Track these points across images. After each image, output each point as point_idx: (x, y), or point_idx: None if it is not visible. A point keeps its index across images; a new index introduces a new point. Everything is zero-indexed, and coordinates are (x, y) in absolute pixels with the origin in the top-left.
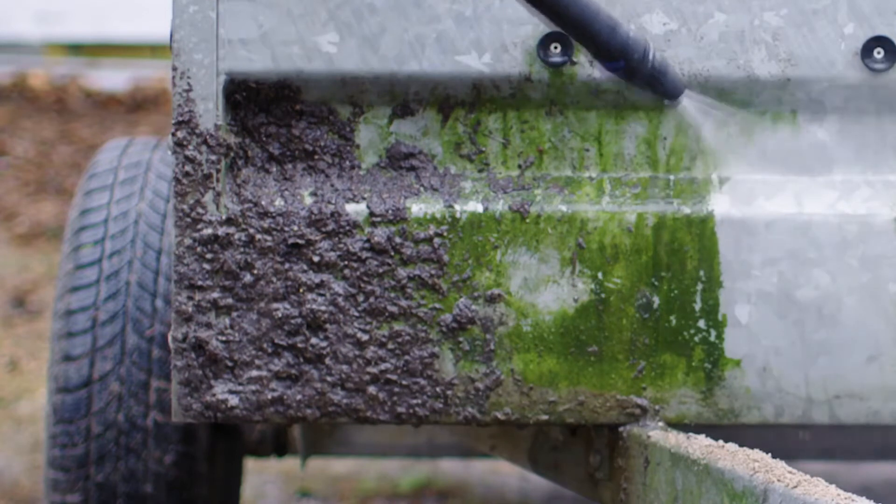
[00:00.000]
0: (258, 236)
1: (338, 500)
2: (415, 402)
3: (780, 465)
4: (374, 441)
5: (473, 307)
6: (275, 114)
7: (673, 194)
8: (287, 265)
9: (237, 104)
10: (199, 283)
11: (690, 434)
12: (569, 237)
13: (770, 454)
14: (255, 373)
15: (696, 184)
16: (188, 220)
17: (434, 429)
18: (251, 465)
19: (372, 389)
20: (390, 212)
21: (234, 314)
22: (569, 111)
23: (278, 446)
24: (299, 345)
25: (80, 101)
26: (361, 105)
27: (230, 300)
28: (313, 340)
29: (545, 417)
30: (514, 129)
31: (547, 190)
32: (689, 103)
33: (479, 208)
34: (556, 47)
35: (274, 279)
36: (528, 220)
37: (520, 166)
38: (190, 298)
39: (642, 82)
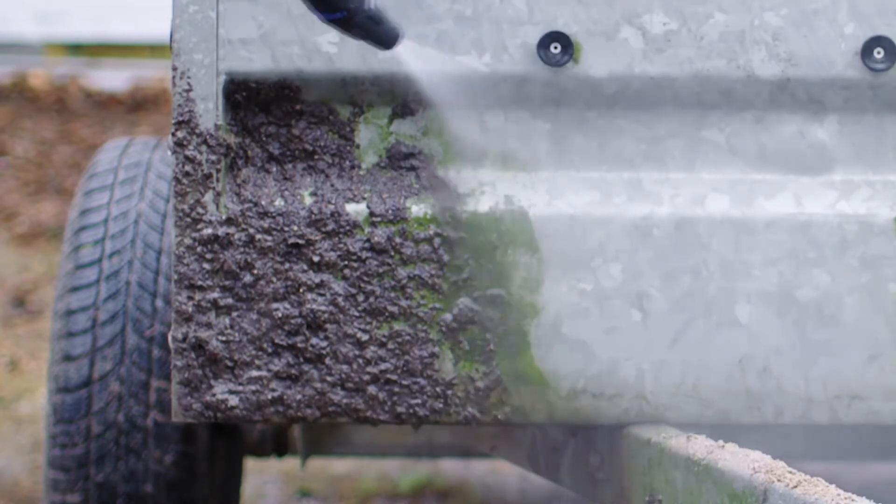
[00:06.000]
0: (258, 236)
1: (338, 500)
2: (415, 402)
3: (780, 465)
4: (374, 441)
5: (473, 307)
6: (275, 114)
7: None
8: (287, 265)
9: (237, 104)
10: (199, 283)
11: (690, 434)
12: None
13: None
14: (255, 373)
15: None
16: (188, 220)
17: (434, 429)
18: (251, 465)
19: (372, 389)
20: (390, 212)
21: (234, 314)
22: (569, 111)
23: (278, 446)
24: (299, 345)
25: (80, 101)
26: (361, 105)
27: (230, 300)
28: (313, 340)
29: (545, 417)
30: (514, 130)
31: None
32: (405, 51)
33: (479, 208)
34: (555, 47)
35: (274, 279)
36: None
37: None
38: (190, 298)
39: (360, 31)
